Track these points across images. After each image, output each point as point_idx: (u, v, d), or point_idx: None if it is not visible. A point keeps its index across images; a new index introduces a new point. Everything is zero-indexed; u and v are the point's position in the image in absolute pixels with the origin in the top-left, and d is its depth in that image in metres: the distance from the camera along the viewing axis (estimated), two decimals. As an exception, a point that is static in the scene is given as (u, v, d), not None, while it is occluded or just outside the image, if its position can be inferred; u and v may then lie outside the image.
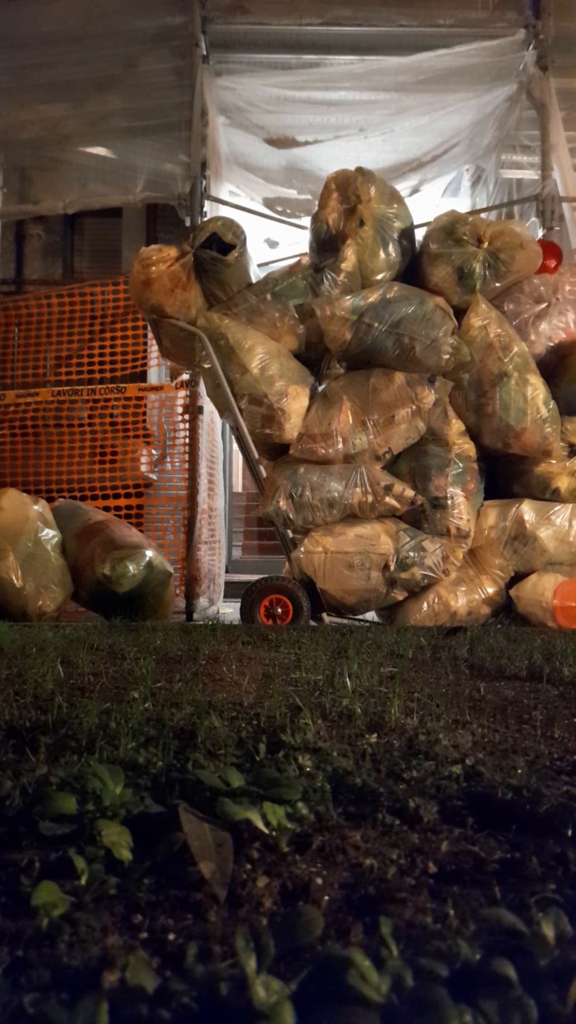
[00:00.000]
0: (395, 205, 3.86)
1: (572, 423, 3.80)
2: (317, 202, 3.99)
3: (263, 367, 3.62)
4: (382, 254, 3.77)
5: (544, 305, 3.88)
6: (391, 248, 3.79)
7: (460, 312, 3.77)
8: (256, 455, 3.78)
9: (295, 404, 3.66)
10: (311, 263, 3.83)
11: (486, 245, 3.73)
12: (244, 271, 3.76)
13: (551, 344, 3.90)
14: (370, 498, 3.60)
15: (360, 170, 3.87)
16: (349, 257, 3.72)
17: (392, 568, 3.55)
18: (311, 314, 3.68)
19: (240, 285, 3.76)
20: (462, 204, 6.44)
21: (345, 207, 3.75)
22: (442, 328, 3.64)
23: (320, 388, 3.80)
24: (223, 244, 3.67)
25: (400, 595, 3.62)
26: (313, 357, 3.83)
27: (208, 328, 3.66)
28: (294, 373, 3.72)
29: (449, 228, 3.78)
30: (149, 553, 4.17)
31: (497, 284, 3.80)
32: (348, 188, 3.76)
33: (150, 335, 4.26)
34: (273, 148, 5.91)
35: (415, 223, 3.97)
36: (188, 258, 3.68)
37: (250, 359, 3.61)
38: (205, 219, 4.47)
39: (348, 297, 3.65)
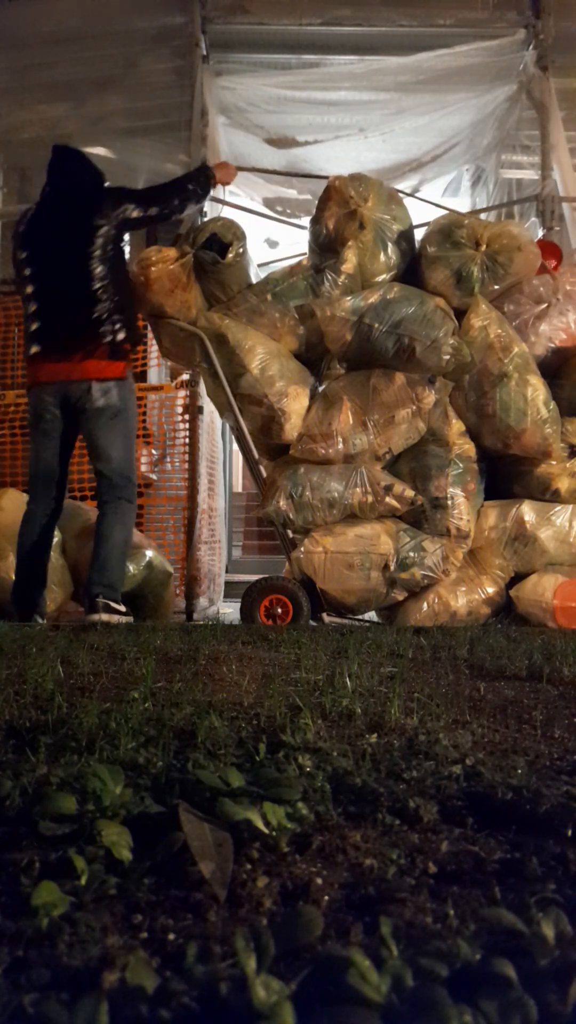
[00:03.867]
0: (394, 207, 3.86)
1: (573, 424, 3.80)
2: (316, 203, 3.99)
3: (263, 367, 3.62)
4: (382, 256, 3.77)
5: (544, 306, 3.88)
6: (391, 250, 3.79)
7: (460, 313, 3.77)
8: (256, 455, 3.78)
9: (295, 404, 3.66)
10: (311, 264, 3.83)
11: (484, 248, 3.73)
12: (244, 272, 3.76)
13: (552, 345, 3.89)
14: (370, 498, 3.60)
15: (359, 175, 3.88)
16: (350, 259, 3.72)
17: (392, 568, 3.55)
18: (311, 315, 3.68)
19: (240, 286, 3.76)
20: (462, 204, 6.44)
21: (344, 210, 3.75)
22: (442, 329, 3.64)
23: (320, 388, 3.80)
24: (223, 245, 3.67)
25: (400, 595, 3.62)
26: (313, 358, 3.83)
27: (208, 328, 3.66)
28: (294, 373, 3.72)
29: (446, 231, 3.77)
30: (149, 553, 4.17)
31: (496, 286, 3.80)
32: (347, 191, 3.76)
33: (150, 335, 4.26)
34: (273, 148, 5.92)
35: (415, 223, 3.97)
36: (188, 259, 3.68)
37: (250, 359, 3.61)
38: (205, 220, 4.47)
39: (348, 298, 3.65)
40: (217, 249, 3.65)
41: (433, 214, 4.05)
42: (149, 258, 3.71)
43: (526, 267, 3.82)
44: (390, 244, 3.79)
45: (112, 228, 3.46)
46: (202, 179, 3.71)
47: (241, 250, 3.70)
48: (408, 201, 4.12)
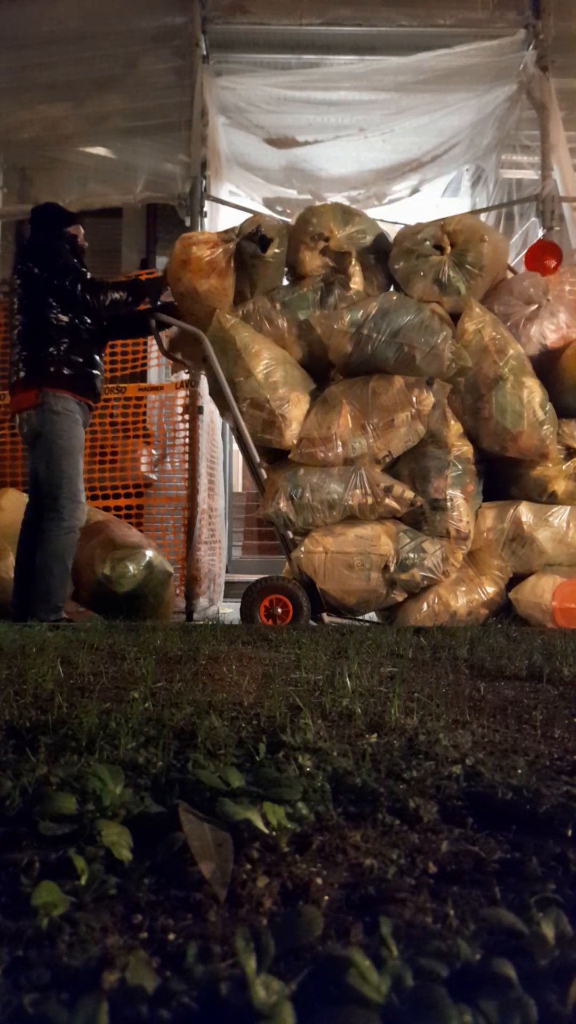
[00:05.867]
0: (356, 220, 3.90)
1: (569, 426, 3.80)
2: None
3: (268, 373, 3.63)
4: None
5: (535, 307, 3.87)
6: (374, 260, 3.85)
7: (455, 316, 3.77)
8: (256, 456, 3.78)
9: (296, 411, 3.67)
10: (321, 276, 3.84)
11: (449, 249, 3.73)
12: (277, 274, 3.83)
13: (543, 346, 3.89)
14: (370, 500, 3.60)
15: (312, 209, 3.93)
16: (356, 273, 3.76)
17: (392, 569, 3.55)
18: (313, 329, 3.71)
19: (266, 289, 3.79)
20: (462, 204, 6.44)
21: (317, 247, 3.78)
22: (440, 335, 3.64)
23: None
24: (266, 239, 3.68)
25: (400, 596, 3.62)
26: (319, 368, 3.85)
27: (216, 329, 3.67)
28: (298, 381, 3.74)
29: (408, 247, 3.79)
30: (149, 553, 4.17)
31: (478, 281, 3.78)
32: (307, 229, 3.79)
33: (150, 338, 4.26)
34: (273, 148, 5.92)
35: (414, 222, 3.98)
36: (231, 246, 3.68)
37: (256, 364, 3.62)
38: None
39: (346, 311, 3.66)
40: (259, 242, 3.67)
41: (434, 213, 4.05)
42: (192, 238, 3.75)
43: (497, 256, 3.82)
44: (371, 255, 3.85)
45: (54, 281, 3.66)
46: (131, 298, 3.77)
47: (278, 250, 3.72)
48: (410, 200, 4.13)
